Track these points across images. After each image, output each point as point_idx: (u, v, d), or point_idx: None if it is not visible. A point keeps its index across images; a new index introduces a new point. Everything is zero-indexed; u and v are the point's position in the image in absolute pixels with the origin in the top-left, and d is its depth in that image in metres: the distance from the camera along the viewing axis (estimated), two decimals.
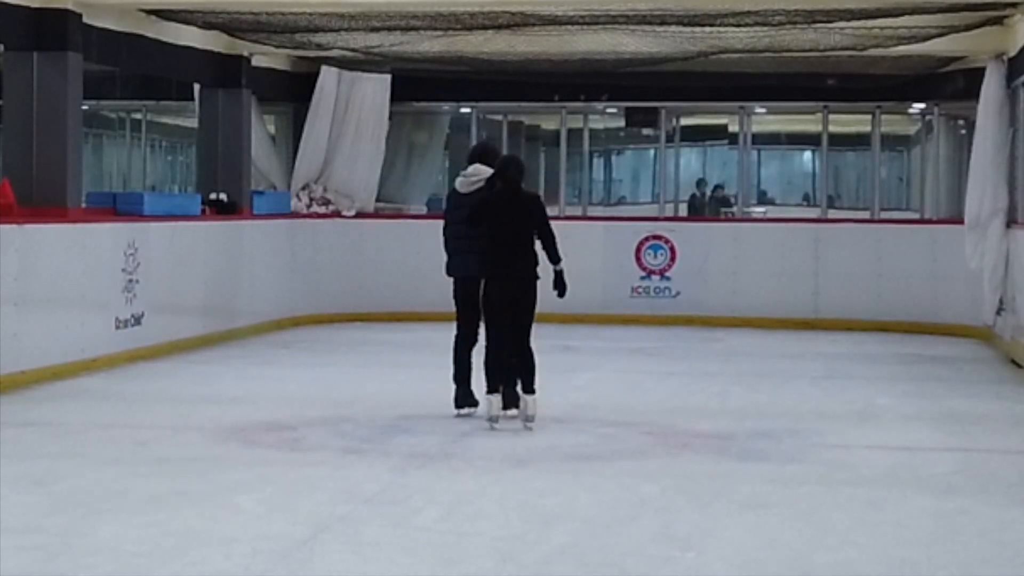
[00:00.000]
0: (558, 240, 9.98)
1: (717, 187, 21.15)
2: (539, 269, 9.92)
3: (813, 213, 19.45)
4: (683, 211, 19.63)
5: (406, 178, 19.63)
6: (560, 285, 10.00)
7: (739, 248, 17.77)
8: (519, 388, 9.89)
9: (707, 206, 20.46)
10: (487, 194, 10.01)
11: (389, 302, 17.65)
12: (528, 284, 9.86)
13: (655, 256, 17.78)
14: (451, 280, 10.44)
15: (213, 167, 16.16)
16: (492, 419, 9.83)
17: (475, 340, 10.32)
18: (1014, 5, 12.81)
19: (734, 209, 19.60)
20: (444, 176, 20.48)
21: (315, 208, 17.81)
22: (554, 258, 9.98)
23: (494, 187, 10.00)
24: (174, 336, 14.02)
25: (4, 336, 11.08)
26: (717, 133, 21.20)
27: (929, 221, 18.01)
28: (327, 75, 17.81)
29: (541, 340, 12.18)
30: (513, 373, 9.95)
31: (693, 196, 20.51)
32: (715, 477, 8.31)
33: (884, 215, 18.78)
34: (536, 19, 13.41)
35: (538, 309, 9.95)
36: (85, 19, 12.81)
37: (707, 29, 13.33)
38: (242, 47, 15.84)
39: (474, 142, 19.11)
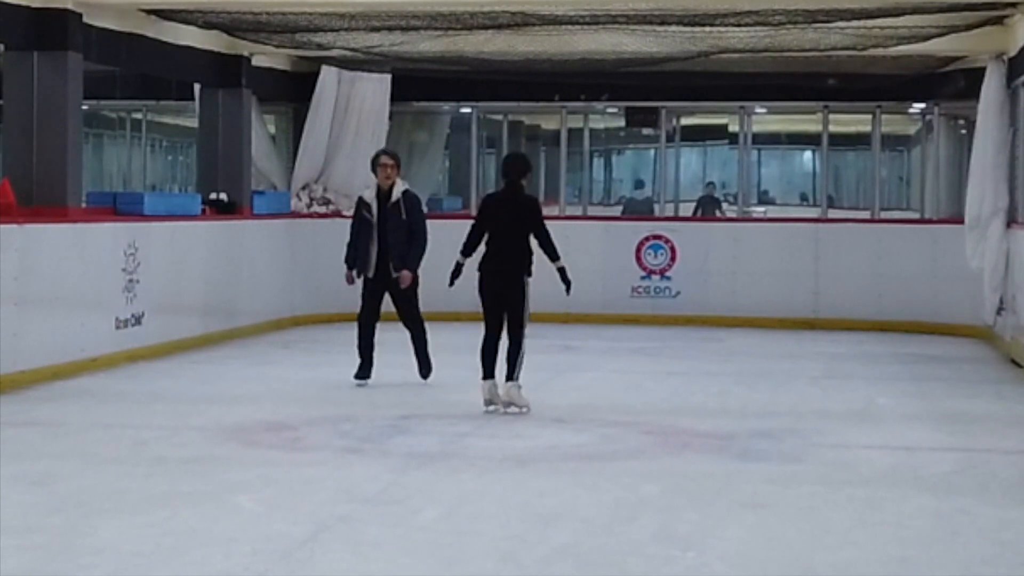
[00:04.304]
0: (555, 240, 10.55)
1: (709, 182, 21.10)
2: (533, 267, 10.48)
3: (813, 213, 19.46)
4: (683, 211, 19.64)
5: (406, 178, 19.56)
6: (564, 281, 10.61)
7: (739, 248, 17.75)
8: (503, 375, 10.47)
9: (707, 207, 20.45)
10: (489, 193, 10.78)
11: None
12: (511, 279, 10.38)
13: (655, 256, 17.78)
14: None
15: (213, 167, 16.15)
16: (486, 402, 10.43)
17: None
18: (1014, 5, 12.81)
19: (729, 210, 19.57)
20: (444, 176, 20.47)
21: (315, 208, 17.80)
22: (552, 256, 10.54)
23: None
24: (174, 336, 14.01)
25: (4, 336, 11.08)
26: (717, 133, 21.19)
27: (929, 221, 18.00)
28: (327, 75, 17.80)
29: (542, 340, 12.22)
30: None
31: (701, 198, 20.51)
32: (715, 477, 8.31)
33: (884, 215, 18.79)
34: (536, 19, 13.41)
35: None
36: (85, 19, 12.81)
37: (707, 29, 13.33)
38: (242, 47, 15.84)
39: (474, 142, 19.14)
